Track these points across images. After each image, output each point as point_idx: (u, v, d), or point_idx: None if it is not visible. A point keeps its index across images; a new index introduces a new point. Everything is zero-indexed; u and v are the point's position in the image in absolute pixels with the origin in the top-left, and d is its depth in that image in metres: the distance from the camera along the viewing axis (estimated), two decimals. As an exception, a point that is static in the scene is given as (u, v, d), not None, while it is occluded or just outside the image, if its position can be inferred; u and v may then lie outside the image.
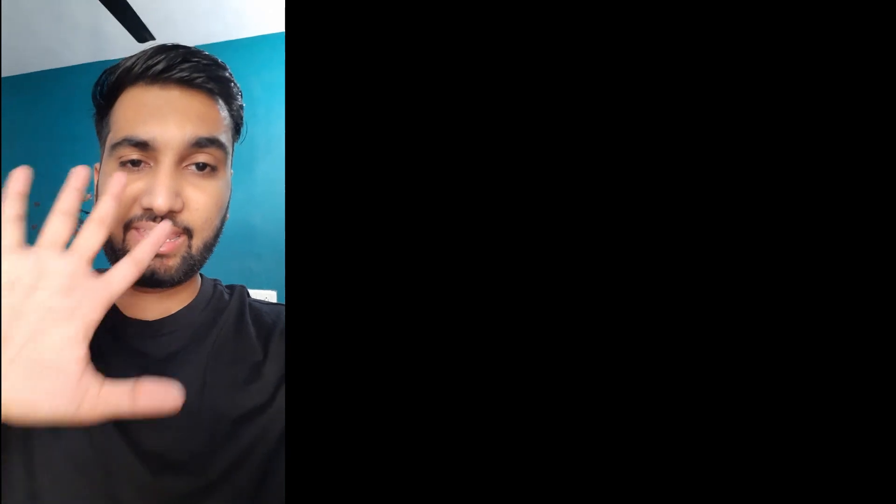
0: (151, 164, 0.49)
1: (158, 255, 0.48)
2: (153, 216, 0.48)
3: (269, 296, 1.76)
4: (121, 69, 0.51)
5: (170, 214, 0.48)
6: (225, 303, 0.58)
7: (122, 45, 1.96)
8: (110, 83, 0.52)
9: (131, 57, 0.51)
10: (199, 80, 0.50)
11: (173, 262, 0.49)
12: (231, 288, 0.61)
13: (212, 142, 0.50)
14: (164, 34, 1.83)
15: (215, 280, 0.61)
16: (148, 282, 0.49)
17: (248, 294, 0.62)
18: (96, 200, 0.53)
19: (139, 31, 1.52)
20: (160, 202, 0.46)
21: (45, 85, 2.26)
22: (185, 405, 0.47)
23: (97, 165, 0.54)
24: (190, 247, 0.50)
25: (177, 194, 0.48)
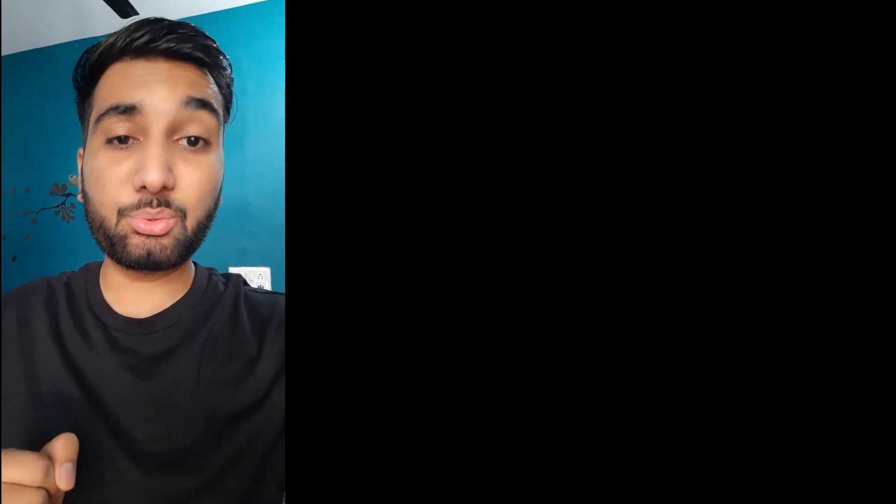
0: (140, 140, 0.46)
1: (153, 235, 0.47)
2: (148, 200, 0.46)
3: (262, 273, 1.77)
4: (102, 47, 0.49)
5: (163, 193, 0.46)
6: (220, 294, 0.56)
7: (107, 22, 1.92)
8: (91, 63, 0.49)
9: (113, 34, 0.48)
10: (186, 50, 0.48)
11: (168, 242, 0.47)
12: (226, 277, 0.59)
13: (204, 104, 0.48)
14: (147, 8, 1.79)
15: (210, 269, 0.59)
16: (145, 264, 0.47)
17: (244, 283, 0.60)
18: (81, 185, 0.51)
19: (121, 6, 1.49)
20: (153, 177, 0.44)
21: (29, 66, 2.23)
22: (179, 403, 0.47)
23: (80, 150, 0.53)
24: (185, 227, 0.48)
25: (170, 170, 0.46)
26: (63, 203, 2.10)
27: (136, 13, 1.54)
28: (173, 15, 1.91)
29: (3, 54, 2.26)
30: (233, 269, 1.78)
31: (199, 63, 0.49)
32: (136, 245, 0.47)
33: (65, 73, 0.52)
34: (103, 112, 0.46)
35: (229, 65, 0.53)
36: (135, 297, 0.52)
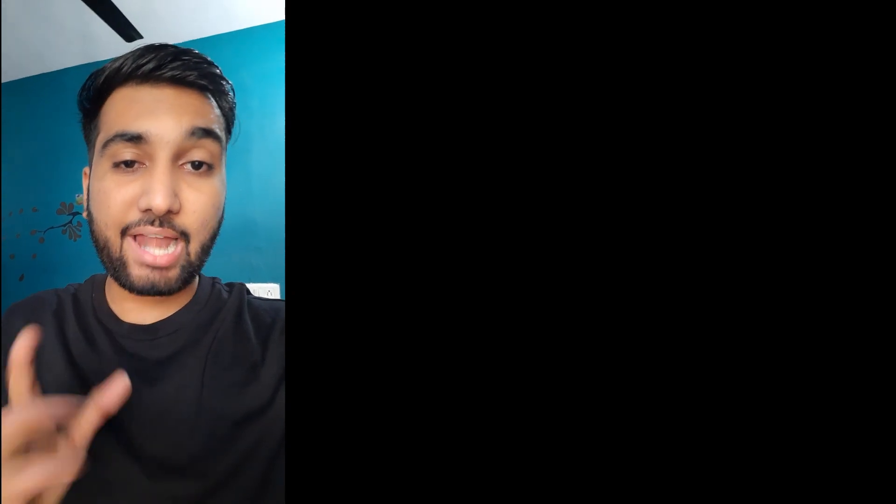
0: (146, 164, 0.48)
1: (158, 268, 0.48)
2: (151, 219, 0.47)
3: (271, 289, 1.77)
4: (108, 70, 0.50)
5: (167, 216, 0.47)
6: (223, 302, 0.57)
7: (111, 47, 1.95)
8: (97, 86, 0.51)
9: (119, 58, 0.50)
10: (190, 78, 0.50)
11: (173, 273, 0.49)
12: (230, 286, 0.60)
13: (208, 133, 0.49)
14: (151, 31, 1.81)
15: (214, 278, 0.61)
16: (149, 292, 0.49)
17: (247, 291, 0.61)
18: (86, 205, 0.53)
19: (126, 30, 1.51)
20: (159, 201, 0.46)
21: (36, 90, 2.25)
22: (184, 408, 0.48)
23: (86, 169, 0.54)
24: (188, 253, 0.50)
25: (175, 194, 0.47)
26: (70, 222, 2.12)
27: (141, 37, 1.57)
28: (178, 38, 1.94)
29: (12, 79, 2.29)
30: (238, 286, 1.78)
31: (202, 89, 0.51)
32: (140, 276, 0.48)
33: (71, 96, 0.54)
34: (110, 138, 0.48)
35: (231, 89, 0.55)
36: (140, 307, 0.53)
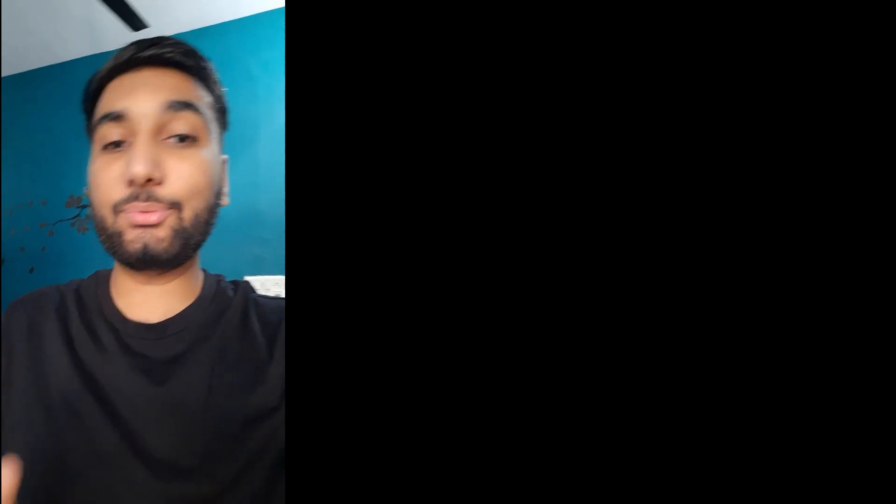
0: (131, 141, 0.49)
1: (147, 226, 0.48)
2: (137, 194, 0.47)
3: (278, 281, 1.77)
4: (100, 73, 0.53)
5: (151, 186, 0.48)
6: (229, 300, 0.57)
7: (119, 36, 1.95)
8: (91, 91, 0.54)
9: (107, 62, 0.53)
10: (168, 56, 0.51)
11: (164, 233, 0.49)
12: (235, 284, 0.60)
13: (186, 105, 0.50)
14: (157, 20, 1.81)
15: (219, 276, 0.60)
16: (142, 258, 0.48)
17: (252, 290, 0.61)
18: (91, 199, 0.53)
19: (132, 19, 1.51)
20: (138, 169, 0.46)
21: (44, 81, 2.25)
22: (192, 408, 0.48)
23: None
24: (181, 218, 0.50)
25: (156, 164, 0.48)
26: (78, 215, 2.13)
27: (147, 26, 1.56)
28: (184, 26, 1.93)
29: (20, 71, 2.29)
30: (249, 278, 1.78)
31: (180, 67, 0.53)
32: (132, 240, 0.48)
33: (79, 87, 0.55)
34: (97, 122, 0.50)
35: (214, 69, 0.56)
36: (145, 302, 0.53)
